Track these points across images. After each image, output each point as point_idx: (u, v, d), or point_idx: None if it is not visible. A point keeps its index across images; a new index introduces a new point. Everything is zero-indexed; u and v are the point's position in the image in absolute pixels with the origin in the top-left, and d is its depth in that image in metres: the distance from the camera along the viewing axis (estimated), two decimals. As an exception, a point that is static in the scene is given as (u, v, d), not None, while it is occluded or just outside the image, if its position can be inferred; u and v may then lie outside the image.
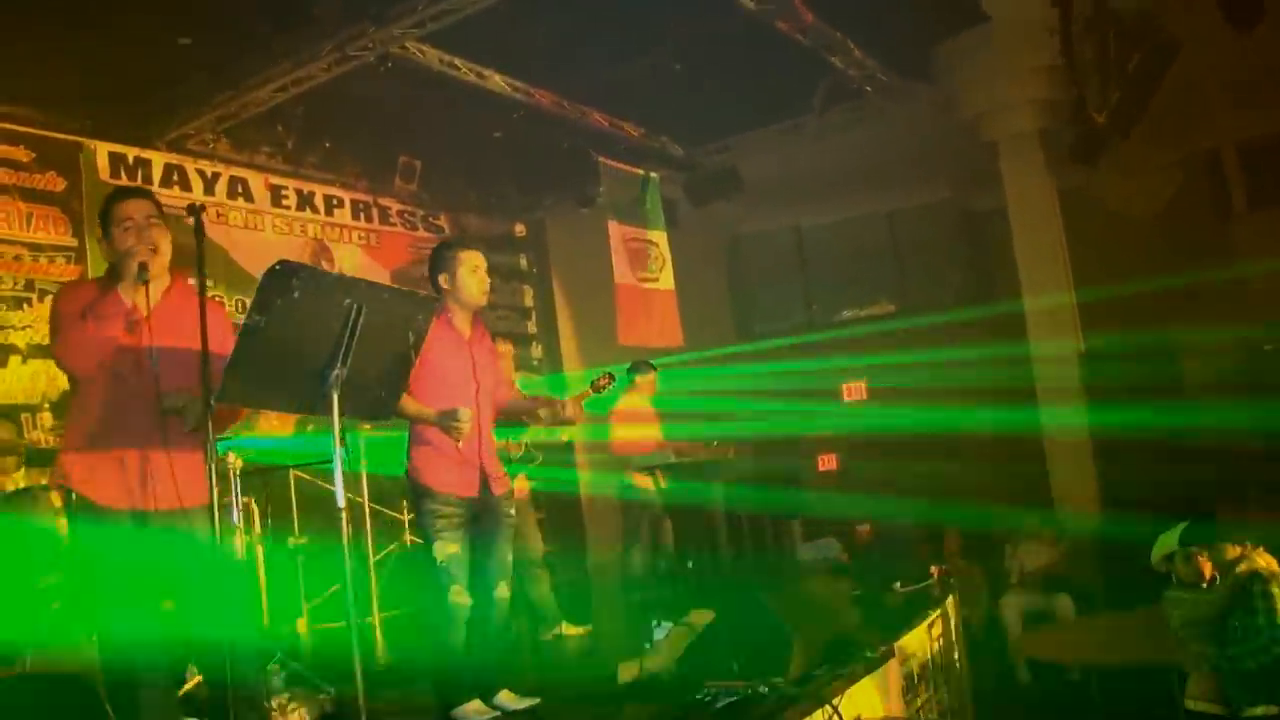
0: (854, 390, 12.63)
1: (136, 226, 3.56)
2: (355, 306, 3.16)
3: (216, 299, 4.01)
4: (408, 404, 4.19)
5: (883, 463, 11.11)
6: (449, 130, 9.32)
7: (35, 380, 7.66)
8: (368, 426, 6.93)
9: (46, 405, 7.60)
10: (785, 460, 11.94)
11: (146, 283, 3.50)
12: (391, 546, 8.34)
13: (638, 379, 8.19)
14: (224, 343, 3.60)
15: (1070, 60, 7.49)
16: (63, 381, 7.64)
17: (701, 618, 5.21)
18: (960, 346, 10.51)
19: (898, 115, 9.96)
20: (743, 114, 10.02)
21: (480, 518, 4.40)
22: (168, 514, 3.48)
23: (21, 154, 7.76)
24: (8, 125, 7.71)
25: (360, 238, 9.79)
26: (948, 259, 12.71)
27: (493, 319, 11.13)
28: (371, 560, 7.05)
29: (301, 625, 7.04)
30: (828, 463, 13.07)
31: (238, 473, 5.85)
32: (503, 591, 4.46)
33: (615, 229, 9.50)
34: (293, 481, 7.61)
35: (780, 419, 11.20)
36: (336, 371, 3.18)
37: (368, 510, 7.49)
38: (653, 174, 9.97)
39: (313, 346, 3.16)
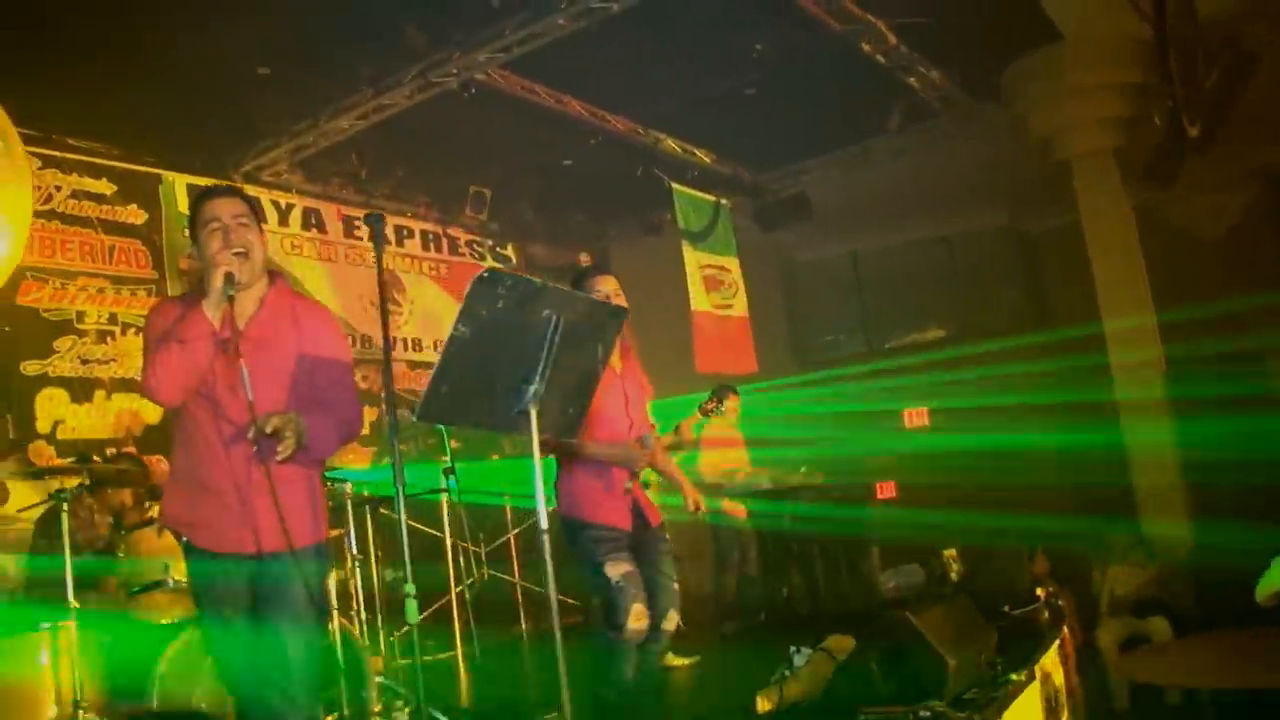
0: (915, 415, 12.48)
1: (223, 228, 3.22)
2: (555, 317, 3.03)
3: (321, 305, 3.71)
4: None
5: (948, 488, 10.96)
6: (520, 159, 9.26)
7: (119, 415, 7.59)
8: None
9: (131, 441, 7.51)
10: (845, 487, 11.81)
11: (232, 296, 3.14)
12: (470, 579, 8.27)
13: (724, 403, 8.08)
14: (341, 352, 3.45)
15: (1165, 74, 7.39)
16: (149, 415, 7.63)
17: (842, 643, 5.08)
18: (1022, 368, 10.40)
19: (962, 138, 9.91)
20: (812, 139, 9.96)
21: (638, 550, 4.27)
22: (274, 556, 3.15)
23: (104, 187, 7.75)
24: (90, 158, 7.69)
25: (430, 268, 9.75)
26: (1004, 282, 12.60)
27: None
28: (462, 591, 6.96)
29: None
30: (887, 490, 12.92)
31: (350, 504, 5.71)
32: (671, 621, 4.29)
33: (690, 255, 9.43)
34: (374, 516, 7.52)
35: (841, 445, 11.08)
36: (535, 386, 3.05)
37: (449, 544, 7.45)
38: (723, 200, 9.89)
39: (511, 360, 3.02)
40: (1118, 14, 8.05)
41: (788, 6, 7.29)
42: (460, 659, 7.34)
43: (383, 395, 8.51)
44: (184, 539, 3.24)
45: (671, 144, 9.36)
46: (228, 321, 3.15)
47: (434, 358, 9.70)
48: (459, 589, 7.57)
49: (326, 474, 4.71)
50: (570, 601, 8.54)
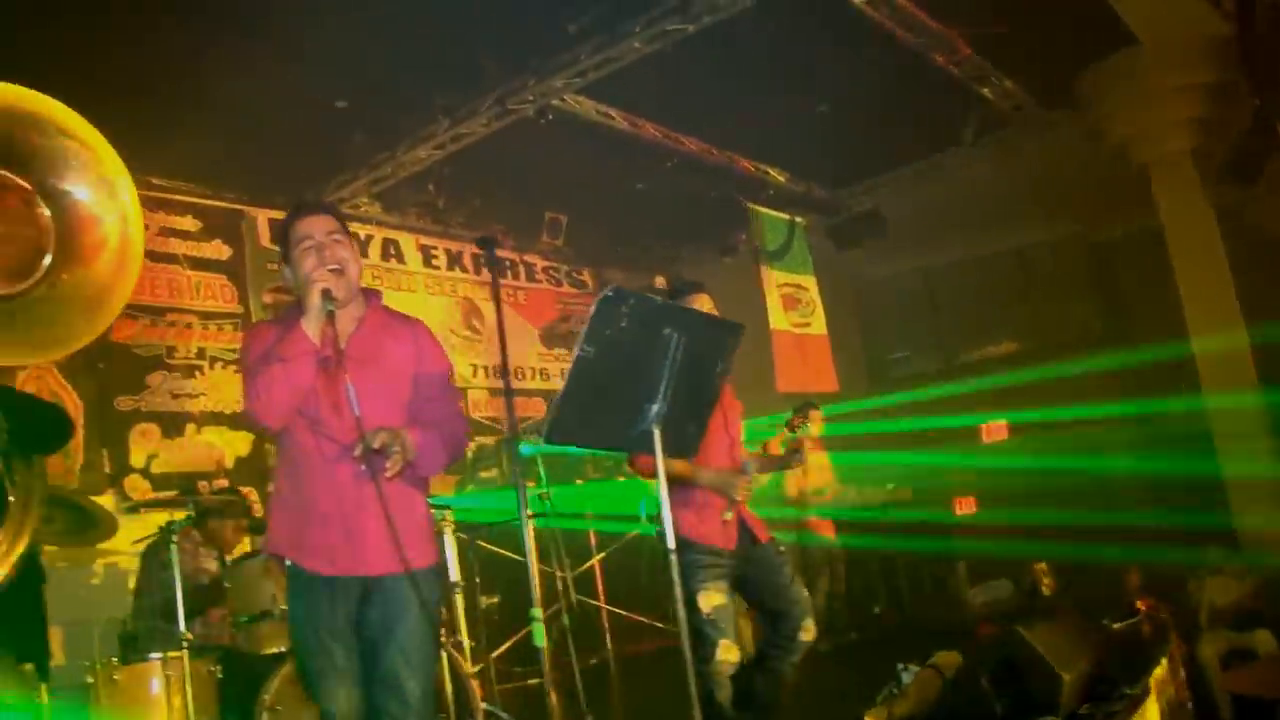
0: (993, 430, 12.32)
1: (316, 245, 3.16)
2: (676, 336, 3.03)
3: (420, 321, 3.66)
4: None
5: (1030, 502, 10.80)
6: (594, 183, 9.29)
7: (210, 448, 7.70)
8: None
9: (222, 474, 7.61)
10: (929, 503, 11.69)
11: (332, 312, 3.07)
12: (556, 605, 8.25)
13: (809, 419, 8.00)
14: (444, 368, 3.38)
15: (1249, 72, 7.28)
16: (239, 448, 7.73)
17: (949, 659, 5.00)
18: (1101, 379, 10.24)
19: (1034, 147, 9.82)
20: (885, 154, 9.92)
21: (751, 568, 4.23)
22: (390, 579, 3.10)
23: (189, 223, 7.88)
24: (175, 195, 7.83)
25: (509, 295, 9.80)
26: (1079, 292, 12.42)
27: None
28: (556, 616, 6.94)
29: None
30: (966, 505, 12.76)
31: (451, 530, 5.73)
32: (809, 632, 4.24)
33: (768, 275, 9.40)
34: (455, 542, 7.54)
35: (920, 461, 10.97)
36: (658, 405, 3.04)
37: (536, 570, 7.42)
38: (798, 219, 9.87)
39: (633, 379, 3.02)
40: (1194, 13, 7.96)
41: (859, 21, 7.25)
42: (548, 684, 7.31)
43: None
44: (290, 563, 3.18)
45: (745, 164, 9.34)
46: (329, 339, 3.09)
47: (516, 384, 9.83)
48: (546, 614, 7.55)
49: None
50: (658, 625, 8.54)
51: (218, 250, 8.03)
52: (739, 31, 7.12)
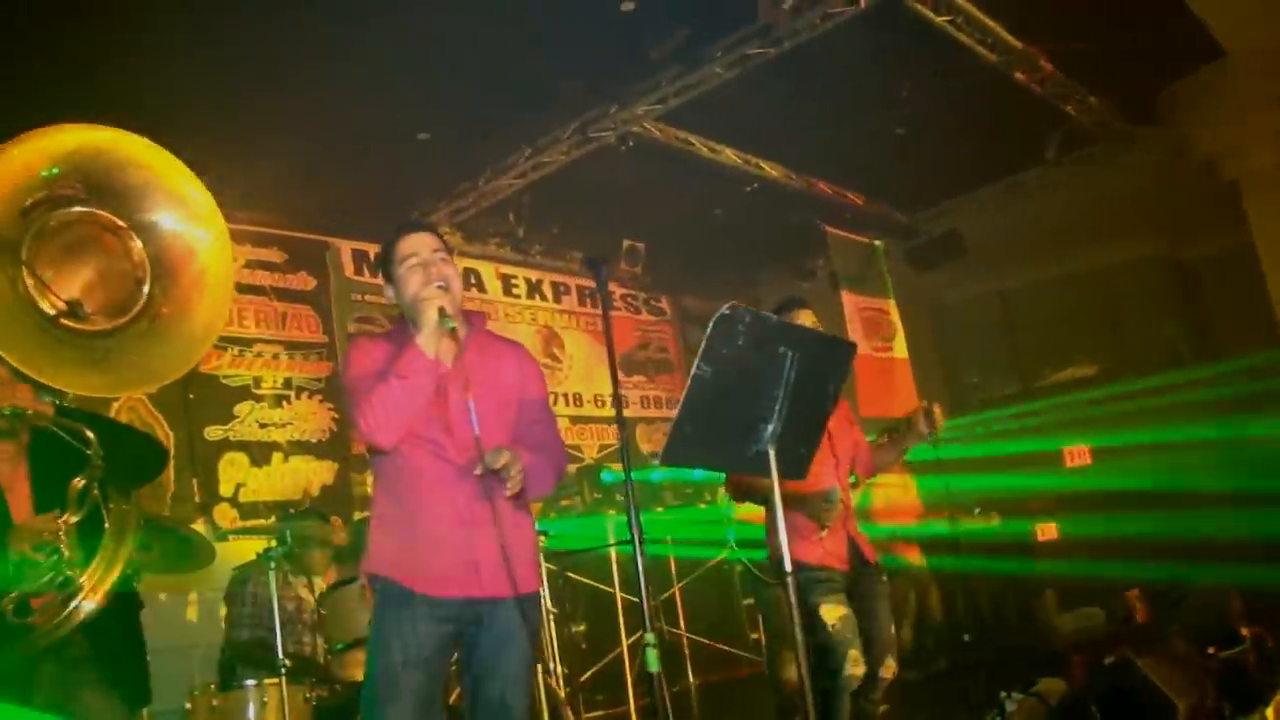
0: (1076, 454, 12.08)
1: (423, 263, 3.12)
2: (791, 355, 2.98)
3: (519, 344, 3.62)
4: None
5: (1116, 526, 10.55)
6: (672, 210, 9.28)
7: (296, 477, 7.75)
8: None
9: (308, 502, 7.65)
10: (1015, 528, 11.48)
11: (454, 329, 3.04)
12: (637, 634, 8.19)
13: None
14: (545, 391, 3.36)
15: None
16: (324, 477, 7.78)
17: (1053, 687, 4.88)
18: (1186, 400, 9.99)
19: (1117, 165, 9.66)
20: (964, 175, 9.81)
21: (854, 589, 4.15)
22: (499, 602, 3.03)
23: (275, 255, 7.97)
24: (261, 228, 7.93)
25: (587, 323, 9.81)
26: (1162, 313, 12.17)
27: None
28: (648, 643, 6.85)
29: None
30: (1048, 531, 12.51)
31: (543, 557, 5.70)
32: (889, 669, 4.16)
33: (849, 299, 9.31)
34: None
35: (1002, 486, 10.78)
36: (773, 426, 2.98)
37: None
38: (877, 241, 9.78)
39: (747, 399, 2.97)
40: (1283, 23, 7.80)
41: (940, 40, 7.18)
42: (633, 713, 7.26)
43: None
44: (384, 583, 3.07)
45: (824, 187, 9.28)
46: (443, 357, 3.07)
47: (595, 412, 9.84)
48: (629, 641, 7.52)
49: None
50: (740, 654, 8.45)
51: (303, 281, 8.12)
52: (817, 54, 7.10)
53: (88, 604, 3.24)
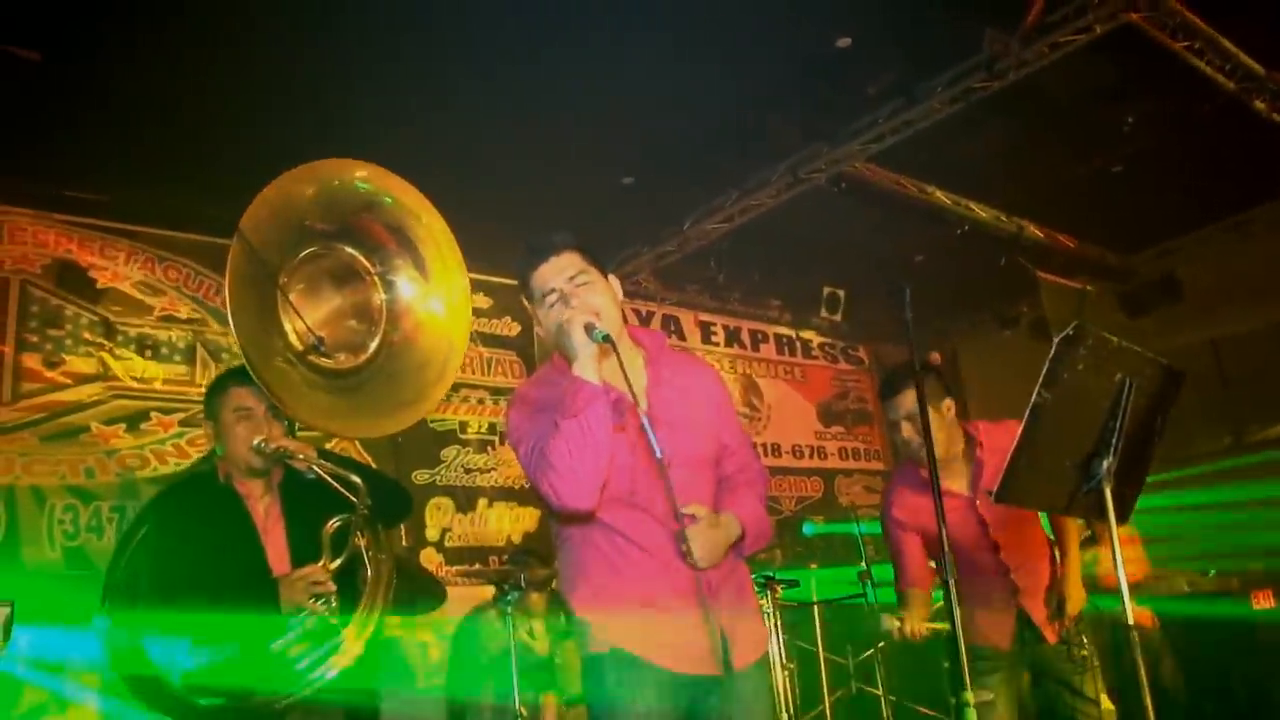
0: (1294, 518, 11.30)
1: (563, 297, 2.67)
2: (1128, 383, 2.71)
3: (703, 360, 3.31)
4: None
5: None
6: (873, 255, 9.01)
7: (500, 523, 7.71)
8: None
9: (510, 549, 7.60)
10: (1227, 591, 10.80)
11: (611, 341, 2.56)
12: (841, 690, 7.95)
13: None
14: (735, 412, 2.98)
15: None
16: (526, 524, 7.71)
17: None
18: None
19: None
20: (1184, 215, 9.29)
21: (1041, 669, 3.87)
22: (739, 673, 2.61)
23: (481, 300, 8.00)
24: (469, 274, 7.94)
25: (785, 372, 9.62)
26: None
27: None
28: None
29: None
30: (1263, 599, 11.71)
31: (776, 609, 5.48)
32: None
33: (1059, 347, 8.87)
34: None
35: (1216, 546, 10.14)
36: (1108, 461, 2.72)
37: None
38: (1088, 287, 9.34)
39: (1080, 431, 2.72)
40: None
41: (1173, 67, 6.79)
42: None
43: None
44: (609, 651, 2.63)
45: (1035, 229, 8.89)
46: (610, 381, 2.61)
47: (793, 463, 9.59)
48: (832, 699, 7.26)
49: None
50: (940, 717, 8.05)
51: (508, 327, 8.13)
52: (1038, 87, 6.80)
53: (351, 652, 3.11)
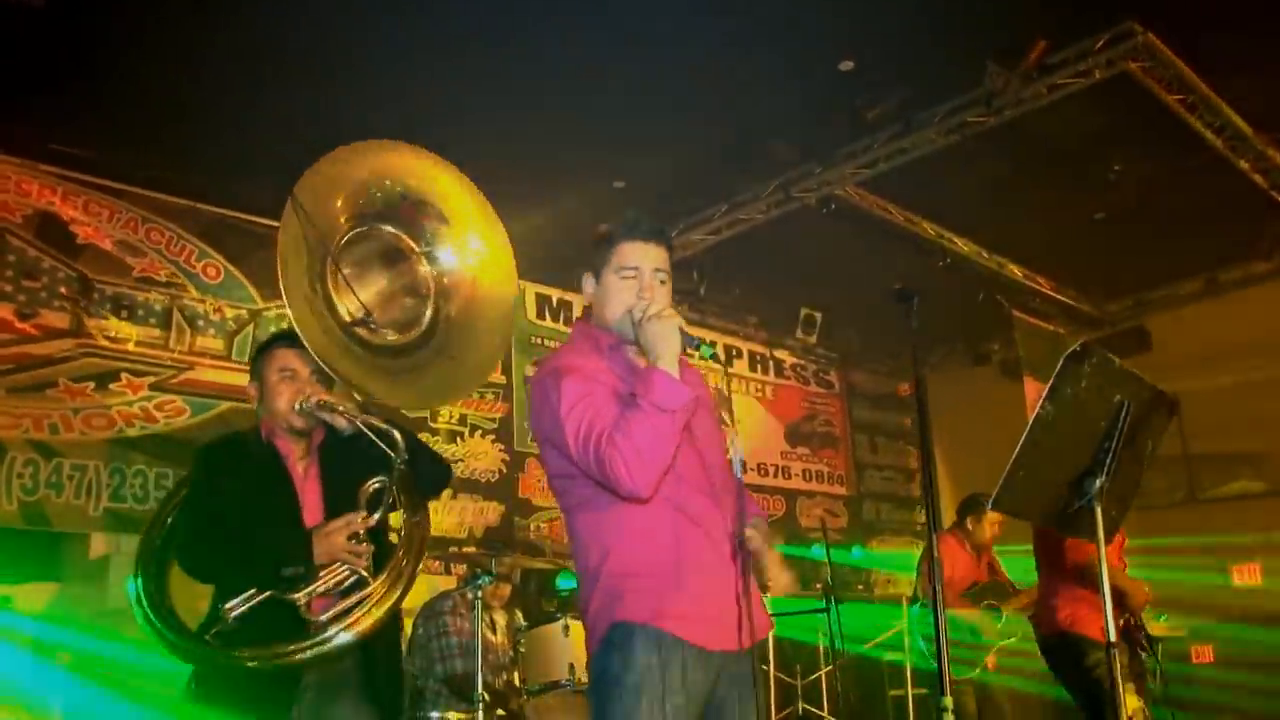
0: (1246, 572, 11.44)
1: (641, 281, 2.69)
2: (1125, 404, 2.75)
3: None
4: None
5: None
6: (852, 281, 9.04)
7: (462, 515, 7.66)
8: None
9: (471, 542, 7.55)
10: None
11: (714, 356, 2.69)
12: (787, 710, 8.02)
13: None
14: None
15: None
16: (490, 518, 7.66)
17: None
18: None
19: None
20: (1159, 268, 9.43)
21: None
22: (743, 655, 2.60)
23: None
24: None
25: (756, 390, 9.64)
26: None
27: (878, 480, 10.70)
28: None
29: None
30: (1202, 654, 11.86)
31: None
32: None
33: (1031, 386, 8.99)
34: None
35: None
36: (1100, 480, 2.74)
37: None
38: (1061, 330, 9.46)
39: (1077, 448, 2.76)
40: None
41: (1164, 120, 6.90)
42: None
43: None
44: (640, 627, 2.54)
45: (1014, 269, 8.99)
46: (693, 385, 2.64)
47: (758, 480, 9.59)
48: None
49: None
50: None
51: (484, 319, 8.09)
52: (1031, 128, 6.89)
53: (374, 614, 3.06)
